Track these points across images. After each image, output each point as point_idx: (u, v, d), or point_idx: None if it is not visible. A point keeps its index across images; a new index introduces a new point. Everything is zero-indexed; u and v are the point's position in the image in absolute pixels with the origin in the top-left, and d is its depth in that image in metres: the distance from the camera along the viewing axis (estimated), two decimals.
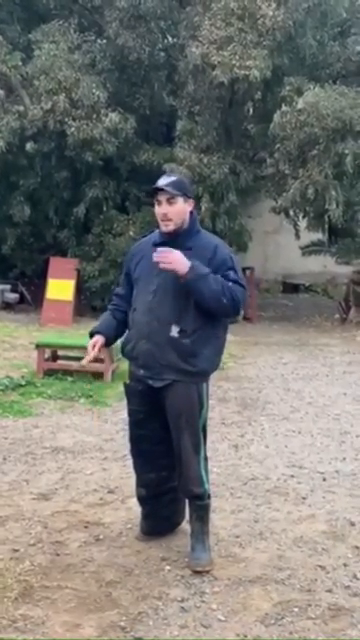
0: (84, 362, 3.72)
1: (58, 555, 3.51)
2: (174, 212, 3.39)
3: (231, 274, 3.38)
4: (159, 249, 3.32)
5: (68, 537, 3.71)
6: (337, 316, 14.39)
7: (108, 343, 3.66)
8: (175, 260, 3.28)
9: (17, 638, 2.78)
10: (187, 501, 3.56)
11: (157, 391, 3.41)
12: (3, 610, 2.96)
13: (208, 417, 3.55)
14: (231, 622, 2.96)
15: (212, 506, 3.66)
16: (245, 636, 2.86)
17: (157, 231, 3.56)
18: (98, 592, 3.16)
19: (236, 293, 3.34)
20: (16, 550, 3.53)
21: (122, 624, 2.91)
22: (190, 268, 3.27)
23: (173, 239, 3.41)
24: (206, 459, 3.51)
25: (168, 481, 3.60)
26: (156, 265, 3.34)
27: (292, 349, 10.67)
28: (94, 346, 3.58)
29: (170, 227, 3.41)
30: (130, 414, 3.62)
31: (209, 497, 3.54)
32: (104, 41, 14.15)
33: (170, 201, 3.39)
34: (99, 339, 3.60)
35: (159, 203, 3.42)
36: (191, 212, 3.49)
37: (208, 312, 3.35)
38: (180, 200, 3.41)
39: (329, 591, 3.25)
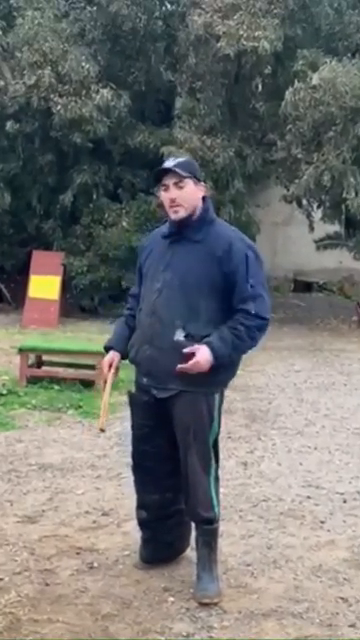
0: (103, 407, 3.64)
1: (47, 585, 3.53)
2: (183, 196, 3.39)
3: (250, 282, 3.33)
4: (182, 366, 3.27)
5: (58, 565, 3.73)
6: (355, 318, 14.49)
7: (125, 357, 3.64)
8: (202, 367, 3.26)
9: None
10: (194, 525, 3.57)
11: (163, 402, 3.42)
12: None
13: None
14: None
15: (220, 530, 3.69)
16: None
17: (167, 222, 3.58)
18: (93, 626, 3.18)
19: (261, 314, 3.34)
20: (0, 579, 3.55)
21: None
22: (213, 357, 3.26)
23: (182, 229, 3.43)
24: (217, 479, 3.53)
25: (173, 504, 3.61)
26: (163, 259, 3.39)
27: (305, 355, 10.74)
28: (110, 365, 3.60)
29: (181, 213, 3.40)
30: (133, 427, 3.62)
31: (217, 521, 3.56)
32: (94, 8, 14.17)
33: (179, 185, 3.38)
34: (114, 357, 3.60)
35: (166, 188, 3.43)
36: (204, 198, 3.49)
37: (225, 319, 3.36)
38: (190, 183, 3.40)
39: (352, 626, 3.27)
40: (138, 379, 3.55)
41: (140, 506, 3.68)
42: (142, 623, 3.22)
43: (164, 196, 3.44)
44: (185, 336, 3.34)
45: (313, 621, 3.30)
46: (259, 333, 3.36)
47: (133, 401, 3.60)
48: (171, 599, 3.43)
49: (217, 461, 3.53)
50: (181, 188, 3.39)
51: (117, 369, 3.69)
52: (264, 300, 3.37)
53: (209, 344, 3.27)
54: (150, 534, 3.70)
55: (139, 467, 3.64)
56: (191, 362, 3.25)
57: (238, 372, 3.63)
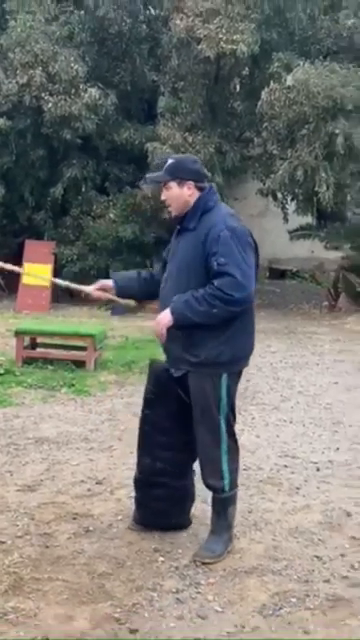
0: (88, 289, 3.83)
1: (47, 547, 3.57)
2: (170, 198, 3.52)
3: (218, 260, 3.30)
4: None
5: (57, 529, 3.77)
6: (326, 303, 14.53)
7: (121, 292, 3.77)
8: (162, 323, 3.39)
9: (9, 631, 2.84)
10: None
11: (179, 379, 3.51)
12: None
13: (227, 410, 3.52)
14: (228, 613, 3.04)
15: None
16: (243, 627, 2.94)
17: None
18: (90, 584, 3.23)
19: (224, 289, 3.27)
20: (3, 542, 3.59)
21: (116, 616, 2.98)
22: (171, 313, 3.35)
23: (182, 221, 3.53)
24: (230, 453, 3.52)
25: (162, 475, 3.66)
26: (171, 250, 3.54)
27: (280, 337, 10.79)
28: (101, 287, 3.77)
29: (172, 212, 3.56)
30: (145, 392, 3.74)
31: (232, 490, 3.57)
32: (83, 12, 14.08)
33: (165, 187, 3.53)
34: (108, 282, 3.77)
35: (160, 189, 3.61)
36: (201, 189, 3.51)
37: None
38: (173, 184, 3.49)
39: (327, 582, 3.34)
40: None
41: (137, 465, 3.78)
42: (135, 581, 3.27)
43: (153, 189, 3.60)
44: None
45: (291, 578, 3.36)
46: (219, 303, 3.28)
47: (151, 369, 3.71)
48: (161, 559, 3.48)
49: (232, 436, 3.53)
50: (167, 189, 3.52)
51: (105, 291, 3.80)
52: (232, 278, 3.28)
53: (171, 304, 3.39)
54: (140, 495, 3.77)
55: (140, 429, 3.74)
56: (154, 322, 3.43)
57: None
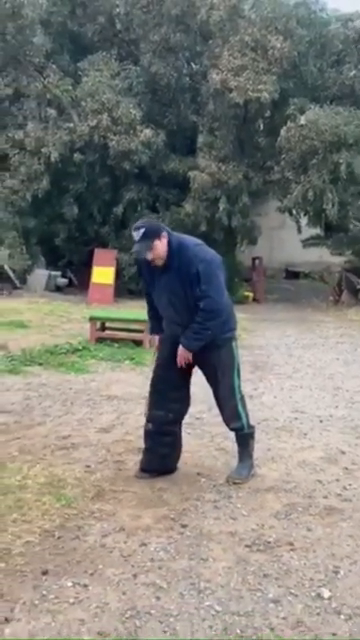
0: None
1: (120, 470, 3.89)
2: (158, 253, 3.51)
3: (201, 287, 3.48)
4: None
5: (126, 458, 4.09)
6: (331, 298, 14.64)
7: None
8: (185, 357, 3.62)
9: (95, 524, 3.21)
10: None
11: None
12: (84, 505, 3.38)
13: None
14: (252, 516, 3.35)
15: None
16: (262, 525, 3.26)
17: None
18: (152, 495, 3.55)
19: (206, 309, 3.49)
20: (88, 466, 3.92)
21: (172, 516, 3.30)
22: (187, 349, 3.59)
23: (163, 263, 3.56)
24: (242, 399, 3.77)
25: (172, 424, 3.78)
26: (160, 283, 3.63)
27: (294, 324, 10.98)
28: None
29: (160, 263, 3.54)
30: (158, 358, 3.81)
31: (250, 428, 3.84)
32: (139, 69, 14.35)
33: (150, 249, 3.48)
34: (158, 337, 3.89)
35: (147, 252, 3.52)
36: (166, 237, 3.54)
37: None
38: (157, 243, 3.48)
39: (325, 497, 3.61)
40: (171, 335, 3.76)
41: (148, 420, 3.80)
42: (184, 493, 3.58)
43: (147, 255, 3.53)
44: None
45: (298, 494, 3.64)
46: (210, 322, 3.54)
47: (162, 341, 3.80)
48: (203, 479, 3.78)
49: (240, 387, 3.76)
50: (154, 249, 3.49)
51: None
52: (211, 299, 3.50)
53: (180, 343, 3.61)
54: (150, 444, 3.79)
55: (154, 388, 3.78)
56: (178, 359, 3.63)
57: (245, 336, 3.95)
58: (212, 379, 3.75)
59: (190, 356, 3.64)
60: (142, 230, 3.50)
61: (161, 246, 3.50)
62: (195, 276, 3.49)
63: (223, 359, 3.70)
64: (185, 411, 3.87)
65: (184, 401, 3.83)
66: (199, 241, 3.70)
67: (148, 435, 3.80)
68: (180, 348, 3.63)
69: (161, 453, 3.78)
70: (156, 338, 3.90)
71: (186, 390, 3.84)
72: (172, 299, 3.62)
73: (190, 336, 3.59)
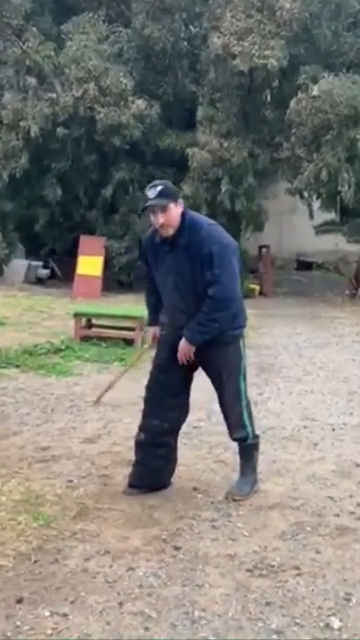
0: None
1: (106, 485, 3.92)
2: (170, 219, 3.51)
3: (214, 271, 3.49)
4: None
5: (113, 471, 4.12)
6: (347, 292, 14.65)
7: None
8: (186, 353, 3.61)
9: (77, 546, 3.23)
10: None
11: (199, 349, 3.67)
12: (65, 525, 3.40)
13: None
14: (254, 537, 3.37)
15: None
16: (265, 547, 3.28)
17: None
18: (142, 513, 3.57)
19: (217, 303, 3.51)
20: (70, 481, 3.95)
21: (163, 537, 3.33)
22: (190, 342, 3.58)
23: (172, 239, 3.57)
24: (247, 406, 3.78)
25: (167, 435, 3.77)
26: (165, 263, 3.64)
27: (305, 321, 11.02)
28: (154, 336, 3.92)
29: (170, 232, 3.54)
30: (155, 359, 3.80)
31: (254, 439, 3.84)
32: (131, 32, 14.35)
33: (164, 210, 3.49)
34: (155, 330, 3.90)
35: (154, 212, 3.52)
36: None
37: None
38: (172, 206, 3.51)
39: (336, 515, 3.64)
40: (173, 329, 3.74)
41: (141, 429, 3.79)
42: (178, 511, 3.60)
43: (153, 219, 3.53)
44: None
45: (307, 512, 3.67)
46: (218, 313, 3.55)
47: (161, 339, 3.78)
48: (199, 495, 3.81)
49: (246, 393, 3.77)
50: (167, 212, 3.49)
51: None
52: (222, 284, 3.51)
53: (183, 336, 3.61)
54: (142, 456, 3.77)
55: (151, 393, 3.77)
56: (179, 355, 3.63)
57: (251, 334, 3.94)
58: (217, 382, 3.76)
59: (192, 352, 3.63)
60: (159, 188, 3.51)
61: (175, 213, 3.52)
62: (207, 257, 3.50)
63: (229, 359, 3.71)
64: (183, 420, 3.88)
65: (182, 409, 3.84)
66: (212, 221, 3.73)
67: (139, 446, 3.80)
68: (182, 342, 3.62)
69: (153, 467, 3.78)
70: (150, 330, 3.91)
71: (186, 396, 3.85)
72: (179, 282, 3.61)
73: (194, 328, 3.59)
